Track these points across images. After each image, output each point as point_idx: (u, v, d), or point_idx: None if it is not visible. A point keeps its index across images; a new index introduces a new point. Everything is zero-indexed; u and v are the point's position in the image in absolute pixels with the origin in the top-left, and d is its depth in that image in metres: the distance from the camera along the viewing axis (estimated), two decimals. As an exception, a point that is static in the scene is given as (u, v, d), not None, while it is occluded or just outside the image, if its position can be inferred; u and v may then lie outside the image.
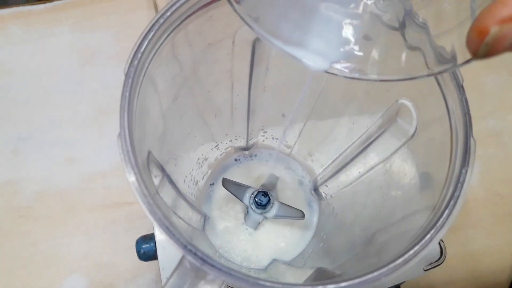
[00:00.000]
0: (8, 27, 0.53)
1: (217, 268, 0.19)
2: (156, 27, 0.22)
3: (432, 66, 0.19)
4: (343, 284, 0.19)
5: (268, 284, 0.19)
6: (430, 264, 0.36)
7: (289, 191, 0.43)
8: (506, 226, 0.49)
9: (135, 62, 0.22)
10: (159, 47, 0.23)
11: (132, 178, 0.20)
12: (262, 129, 0.42)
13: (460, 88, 0.23)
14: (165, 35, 0.23)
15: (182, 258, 0.21)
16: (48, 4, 0.54)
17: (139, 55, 0.22)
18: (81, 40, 0.53)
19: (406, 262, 0.20)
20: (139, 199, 0.20)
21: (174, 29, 0.24)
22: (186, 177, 0.39)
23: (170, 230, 0.20)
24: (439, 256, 0.36)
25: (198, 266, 0.20)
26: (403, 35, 0.21)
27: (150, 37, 0.22)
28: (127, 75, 0.21)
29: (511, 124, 0.53)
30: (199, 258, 0.20)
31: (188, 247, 0.20)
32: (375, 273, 0.20)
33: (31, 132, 0.49)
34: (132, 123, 0.21)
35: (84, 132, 0.49)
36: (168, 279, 0.21)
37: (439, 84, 0.24)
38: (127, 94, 0.21)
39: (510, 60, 0.55)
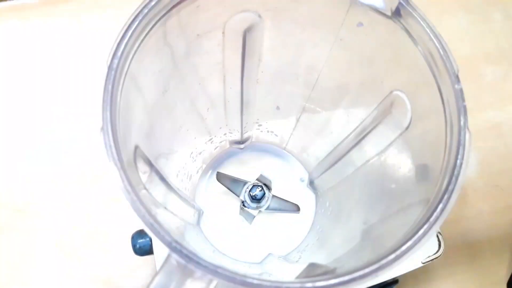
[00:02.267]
0: (3, 21, 0.52)
1: (203, 265, 0.19)
2: (140, 17, 0.22)
3: None
4: (332, 281, 0.19)
5: (255, 281, 0.19)
6: (428, 256, 0.35)
7: (284, 185, 0.43)
8: (506, 219, 0.48)
9: (119, 53, 0.21)
10: (144, 38, 0.22)
11: (115, 174, 0.19)
12: (257, 122, 0.41)
13: (456, 78, 0.22)
14: (150, 26, 0.23)
15: (169, 255, 0.20)
16: (43, -3, 0.54)
17: (123, 46, 0.21)
18: (78, 33, 0.52)
19: (398, 258, 0.20)
20: (123, 195, 0.19)
21: (159, 19, 0.23)
22: (179, 171, 0.38)
23: (155, 227, 0.19)
24: (437, 249, 0.36)
25: (184, 264, 0.19)
26: None
27: (134, 27, 0.21)
28: (110, 67, 0.21)
29: (510, 116, 0.52)
30: (185, 256, 0.19)
31: (173, 244, 0.19)
32: (366, 270, 0.19)
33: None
34: (116, 117, 0.20)
35: (80, 127, 0.48)
36: (154, 276, 0.20)
37: (433, 74, 0.24)
38: (110, 87, 0.20)
39: (509, 51, 0.55)
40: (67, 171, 0.47)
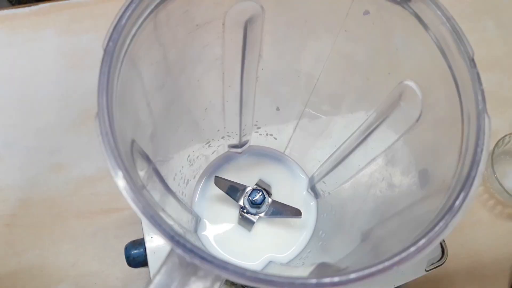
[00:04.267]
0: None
1: (208, 261, 0.17)
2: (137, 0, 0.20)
3: None
4: (352, 275, 0.17)
5: (268, 278, 0.17)
6: (432, 264, 0.34)
7: (285, 189, 0.41)
8: (506, 227, 0.48)
9: (115, 37, 0.19)
10: (142, 23, 0.21)
11: (111, 162, 0.18)
12: (256, 125, 0.40)
13: (471, 62, 0.21)
14: (148, 10, 0.21)
15: (170, 252, 0.19)
16: (34, 7, 0.53)
17: (120, 30, 0.20)
18: (68, 43, 0.51)
19: (419, 250, 0.18)
20: (120, 185, 0.18)
21: (158, 4, 0.22)
22: (176, 174, 0.36)
23: (155, 220, 0.18)
24: (440, 256, 0.35)
25: (188, 260, 0.17)
26: None
27: (131, 10, 0.20)
28: (106, 50, 0.19)
29: (506, 122, 0.51)
30: (189, 250, 0.17)
31: (175, 238, 0.17)
32: (386, 263, 0.18)
33: (17, 137, 0.47)
34: (112, 104, 0.19)
35: (71, 137, 0.47)
36: (155, 275, 0.18)
37: (446, 60, 0.22)
38: (106, 70, 0.19)
39: (502, 59, 0.55)
40: (56, 183, 0.46)
